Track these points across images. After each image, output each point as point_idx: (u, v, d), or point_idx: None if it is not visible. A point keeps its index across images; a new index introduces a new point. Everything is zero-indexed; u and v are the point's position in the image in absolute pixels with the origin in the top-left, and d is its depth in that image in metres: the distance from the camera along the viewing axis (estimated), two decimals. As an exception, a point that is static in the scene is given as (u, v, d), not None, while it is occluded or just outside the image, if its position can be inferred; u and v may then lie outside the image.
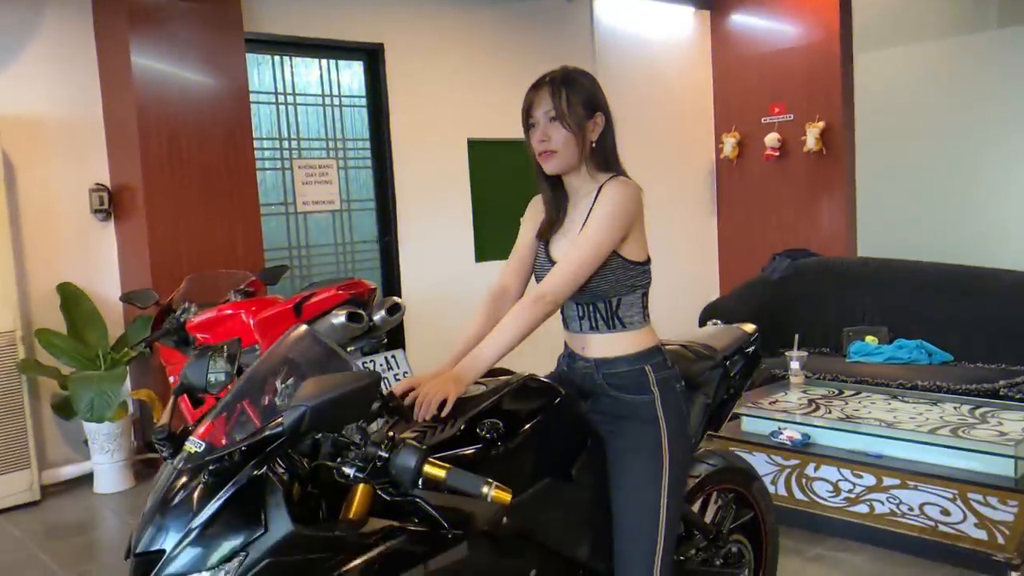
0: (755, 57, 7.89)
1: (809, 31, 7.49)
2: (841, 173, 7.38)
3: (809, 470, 3.46)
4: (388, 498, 1.54)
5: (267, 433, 1.44)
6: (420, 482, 1.51)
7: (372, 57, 5.91)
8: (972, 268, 4.92)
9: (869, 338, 4.85)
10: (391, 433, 1.57)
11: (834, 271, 5.30)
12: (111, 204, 4.97)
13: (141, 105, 4.73)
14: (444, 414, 1.78)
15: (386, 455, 1.51)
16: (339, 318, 2.46)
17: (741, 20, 7.99)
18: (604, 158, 2.03)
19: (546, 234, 2.09)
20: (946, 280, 4.90)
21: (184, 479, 1.49)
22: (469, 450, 1.73)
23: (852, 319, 5.08)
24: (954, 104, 6.62)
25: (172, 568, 1.42)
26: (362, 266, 5.91)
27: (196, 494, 1.46)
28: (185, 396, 1.74)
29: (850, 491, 3.37)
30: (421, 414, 1.77)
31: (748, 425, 3.72)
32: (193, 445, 1.51)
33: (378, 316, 2.27)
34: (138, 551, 1.47)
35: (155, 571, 1.43)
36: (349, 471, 1.51)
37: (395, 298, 2.46)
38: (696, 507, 2.41)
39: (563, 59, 7.58)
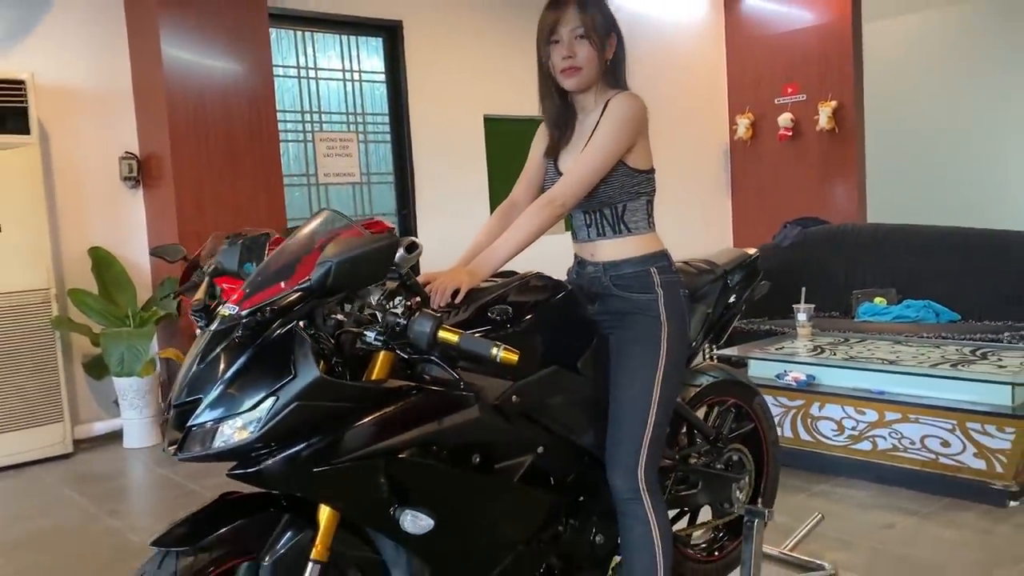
0: (768, 38, 8.00)
1: (822, 11, 7.59)
2: (854, 150, 7.46)
3: (814, 409, 3.56)
4: (406, 356, 1.67)
5: (296, 287, 1.57)
6: (436, 346, 1.64)
7: (391, 34, 6.08)
8: (980, 230, 4.99)
9: (878, 299, 4.93)
10: (408, 303, 1.70)
11: (844, 237, 5.39)
12: (140, 172, 5.15)
13: (169, 77, 4.90)
14: (457, 301, 1.91)
15: (404, 322, 1.65)
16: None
17: (754, 2, 8.10)
18: (615, 76, 2.14)
19: (554, 152, 2.21)
20: (954, 242, 4.98)
21: (219, 339, 1.62)
22: (479, 332, 1.86)
23: (862, 283, 5.17)
24: (959, 70, 6.70)
25: (209, 413, 1.55)
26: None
27: (230, 348, 1.59)
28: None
29: (853, 428, 3.47)
30: (436, 301, 1.89)
31: (755, 369, 3.83)
32: (227, 309, 1.64)
33: (396, 254, 2.40)
34: (177, 402, 1.61)
35: (193, 416, 1.57)
36: (370, 335, 1.65)
37: (412, 237, 2.60)
38: (700, 417, 2.52)
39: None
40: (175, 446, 1.61)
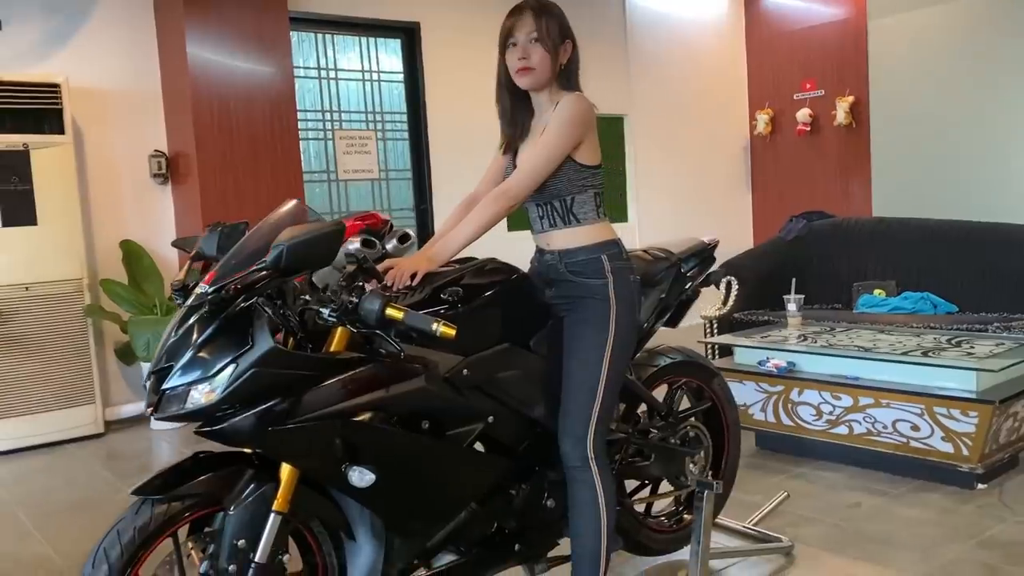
0: (787, 34, 8.07)
1: (840, 6, 7.65)
2: (870, 145, 7.51)
3: (793, 395, 3.69)
4: (356, 331, 1.87)
5: (254, 268, 1.79)
6: (384, 322, 1.84)
7: (409, 35, 6.31)
8: (982, 224, 5.03)
9: (877, 291, 5.01)
10: (360, 283, 1.90)
11: (848, 230, 5.45)
12: (168, 169, 5.45)
13: (195, 79, 5.18)
14: (414, 284, 2.10)
15: (356, 300, 1.85)
16: (354, 244, 2.81)
17: (774, -1, 8.18)
18: (568, 80, 2.32)
19: (511, 147, 2.39)
20: (956, 236, 5.02)
21: (191, 313, 1.85)
22: (433, 311, 2.05)
23: (864, 276, 5.23)
24: (968, 65, 6.72)
25: (179, 378, 1.78)
26: (400, 232, 6.31)
27: (200, 321, 1.81)
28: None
29: (830, 413, 3.60)
30: (395, 284, 2.09)
31: (739, 356, 3.97)
32: (200, 288, 1.86)
33: (390, 245, 2.60)
34: (153, 369, 1.83)
35: (165, 381, 1.79)
36: (325, 311, 1.86)
37: (406, 229, 2.81)
38: (661, 397, 2.69)
39: (595, 37, 8.00)
40: (152, 407, 1.84)
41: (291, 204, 2.03)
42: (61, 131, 4.81)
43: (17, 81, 4.70)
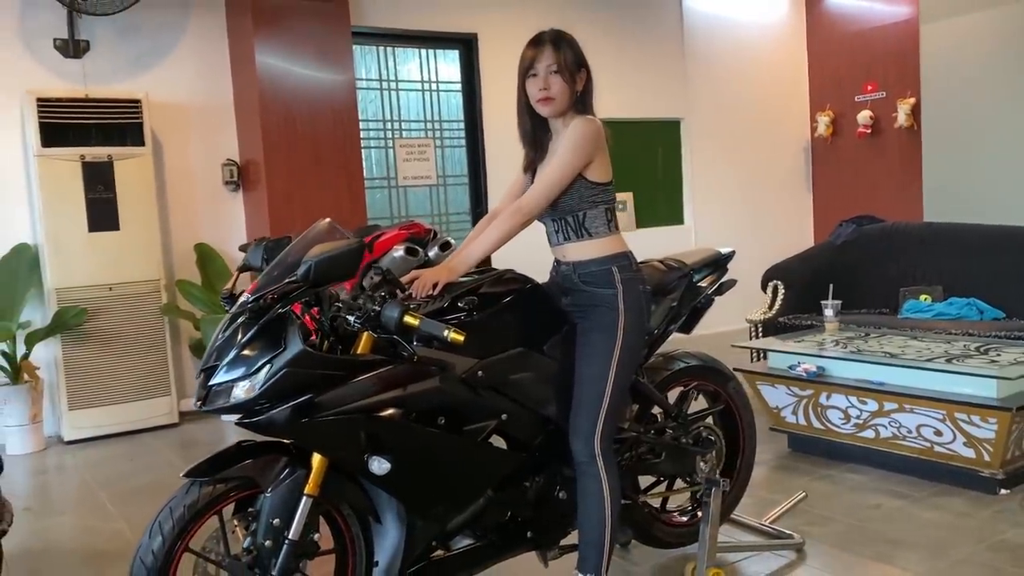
0: (849, 36, 8.04)
1: (900, 7, 7.58)
2: (921, 148, 7.42)
3: (823, 399, 3.79)
4: (378, 336, 2.10)
5: (287, 281, 2.03)
6: (402, 328, 2.07)
7: (467, 46, 6.55)
8: (1032, 229, 5.01)
9: (923, 296, 5.04)
10: (382, 293, 2.13)
11: (897, 235, 5.48)
12: (239, 177, 5.81)
13: (264, 92, 5.51)
14: (436, 293, 2.32)
15: (377, 308, 2.08)
16: (399, 251, 3.04)
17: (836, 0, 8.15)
18: (583, 105, 2.51)
19: (531, 167, 2.59)
20: (1006, 241, 5.01)
21: (235, 319, 2.11)
22: (452, 318, 2.27)
23: (912, 281, 5.25)
24: (1015, 70, 6.58)
25: (223, 375, 2.04)
26: (457, 235, 6.54)
27: (241, 327, 2.07)
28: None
29: (858, 417, 3.69)
30: (418, 293, 2.32)
31: (772, 361, 4.08)
32: (244, 297, 2.12)
33: (432, 252, 2.82)
34: (203, 367, 2.10)
35: (212, 378, 2.05)
36: (350, 317, 2.09)
37: (447, 236, 3.03)
38: (675, 399, 2.85)
39: (652, 41, 8.12)
40: (201, 401, 2.11)
41: (324, 223, 2.27)
42: (141, 143, 5.20)
43: (103, 98, 5.11)
